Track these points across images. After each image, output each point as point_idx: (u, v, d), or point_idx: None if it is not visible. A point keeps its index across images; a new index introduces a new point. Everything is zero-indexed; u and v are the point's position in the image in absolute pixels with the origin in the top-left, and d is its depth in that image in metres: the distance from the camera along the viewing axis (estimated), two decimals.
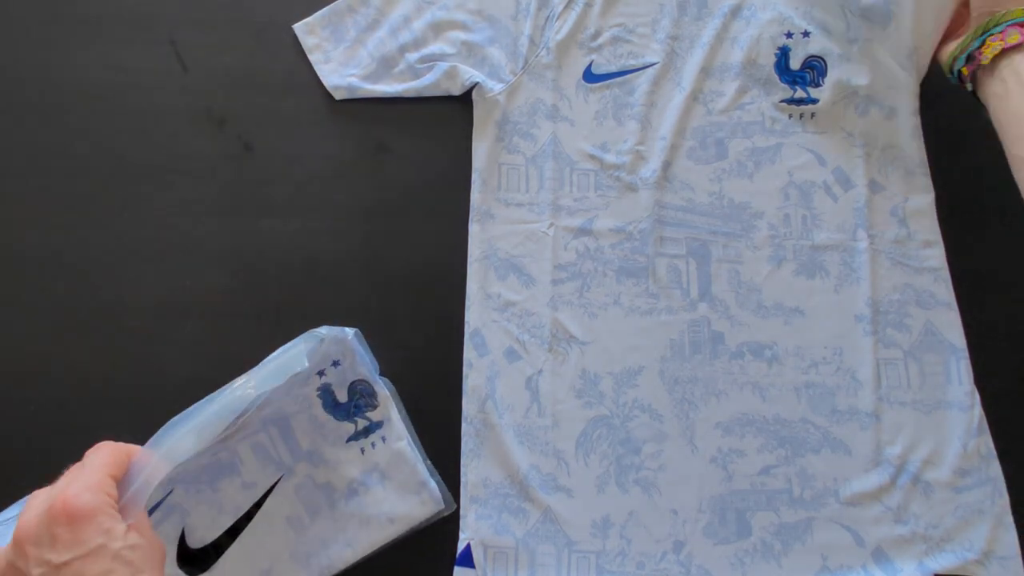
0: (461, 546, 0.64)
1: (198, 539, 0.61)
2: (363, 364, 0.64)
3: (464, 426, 0.66)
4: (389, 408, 0.64)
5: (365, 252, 0.72)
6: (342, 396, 0.64)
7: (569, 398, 0.67)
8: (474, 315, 0.69)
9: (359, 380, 0.64)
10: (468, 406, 0.67)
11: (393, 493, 0.63)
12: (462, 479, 0.65)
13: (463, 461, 0.66)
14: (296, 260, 0.71)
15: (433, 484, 0.64)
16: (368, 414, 0.64)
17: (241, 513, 0.61)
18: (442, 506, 0.63)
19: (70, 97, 0.76)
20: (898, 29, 0.71)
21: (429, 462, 0.65)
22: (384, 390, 0.65)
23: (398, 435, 0.64)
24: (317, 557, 0.62)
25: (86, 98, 0.76)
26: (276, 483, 0.62)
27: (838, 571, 0.62)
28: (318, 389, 0.63)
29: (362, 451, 0.63)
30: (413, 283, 0.71)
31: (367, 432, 0.64)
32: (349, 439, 0.63)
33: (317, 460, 0.63)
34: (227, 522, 0.61)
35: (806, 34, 0.73)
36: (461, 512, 0.64)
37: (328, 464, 0.63)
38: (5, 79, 0.76)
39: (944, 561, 0.62)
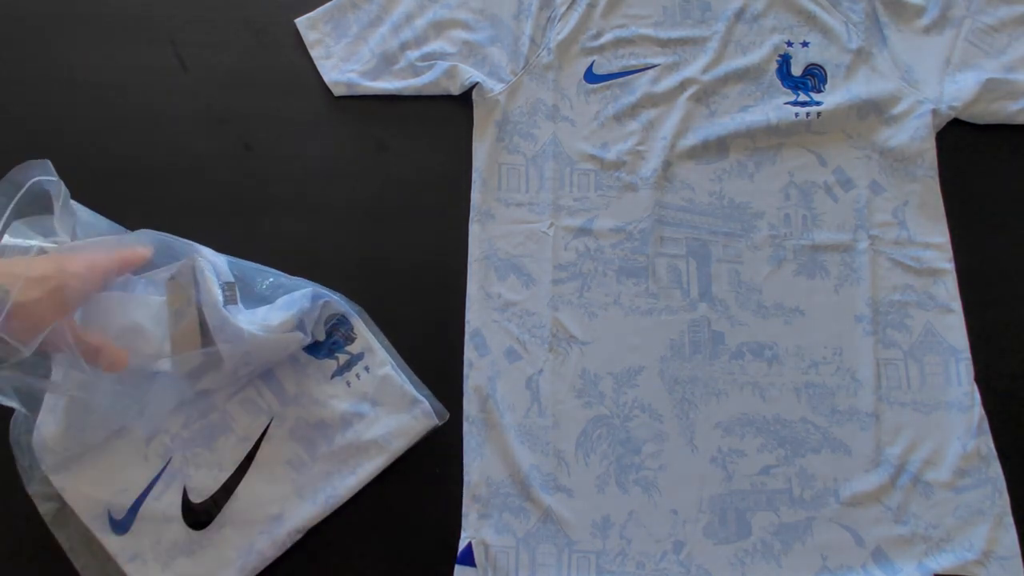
0: (462, 545, 0.64)
1: (200, 496, 0.62)
2: (333, 301, 0.66)
3: (466, 426, 0.66)
4: (367, 338, 0.66)
5: (365, 252, 0.72)
6: (320, 334, 0.65)
7: (569, 398, 0.67)
8: (474, 315, 0.69)
9: (332, 315, 0.65)
10: (469, 406, 0.67)
11: (386, 416, 0.64)
12: (464, 478, 0.65)
13: (465, 460, 0.66)
14: (296, 260, 0.71)
15: (423, 399, 0.65)
16: (348, 348, 0.65)
17: (237, 465, 0.63)
18: (436, 420, 0.65)
19: (70, 97, 0.76)
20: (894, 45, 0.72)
21: (416, 377, 0.66)
22: (359, 320, 0.66)
23: (381, 361, 0.65)
24: (324, 491, 0.63)
25: (86, 98, 0.76)
26: (266, 429, 0.63)
27: (838, 571, 0.62)
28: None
29: (348, 384, 0.65)
30: (413, 283, 0.71)
31: (349, 365, 0.65)
32: (333, 375, 0.65)
33: (305, 401, 0.64)
34: (226, 477, 0.63)
35: (805, 44, 0.73)
36: (463, 511, 0.65)
37: (317, 403, 0.64)
38: (5, 79, 0.76)
39: (944, 561, 0.62)
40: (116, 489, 0.61)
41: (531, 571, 0.63)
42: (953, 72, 0.72)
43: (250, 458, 0.63)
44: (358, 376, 0.65)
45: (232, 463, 0.63)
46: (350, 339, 0.65)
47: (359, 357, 0.65)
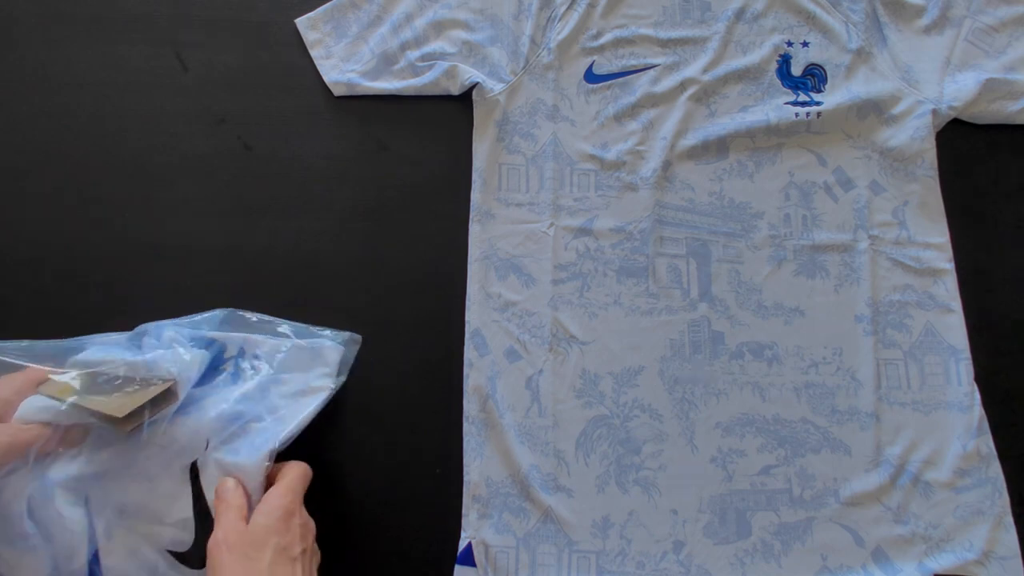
0: (462, 545, 0.64)
1: (184, 546, 0.58)
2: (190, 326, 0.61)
3: (466, 426, 0.66)
4: (236, 337, 0.61)
5: (365, 252, 0.72)
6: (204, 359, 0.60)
7: (569, 398, 0.67)
8: (474, 315, 0.69)
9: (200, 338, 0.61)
10: (469, 406, 0.67)
11: (301, 373, 0.61)
12: (464, 478, 0.65)
13: (465, 460, 0.66)
14: (296, 260, 0.71)
15: (322, 335, 0.62)
16: (225, 355, 0.61)
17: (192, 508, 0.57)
18: (341, 344, 0.62)
19: (70, 97, 0.76)
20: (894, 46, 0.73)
21: (308, 327, 0.63)
22: (219, 332, 0.61)
23: (258, 342, 0.61)
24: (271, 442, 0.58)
25: (86, 98, 0.76)
26: (194, 464, 0.57)
27: (838, 571, 0.62)
28: None
29: (247, 378, 0.60)
30: (413, 283, 0.71)
31: (238, 366, 0.61)
32: (228, 380, 0.60)
33: (209, 403, 0.58)
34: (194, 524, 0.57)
35: (805, 44, 0.73)
36: (463, 511, 0.65)
37: (226, 401, 0.58)
38: (5, 79, 0.76)
39: (944, 561, 0.62)
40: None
41: (531, 571, 0.63)
42: (953, 72, 0.72)
43: (199, 495, 0.57)
44: (252, 367, 0.61)
45: (183, 512, 0.57)
46: (224, 348, 0.61)
47: (240, 355, 0.61)
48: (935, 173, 0.71)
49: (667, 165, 0.71)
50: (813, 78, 0.73)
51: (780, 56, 0.73)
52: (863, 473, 0.64)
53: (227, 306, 0.70)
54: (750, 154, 0.72)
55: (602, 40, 0.74)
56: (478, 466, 0.65)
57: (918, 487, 0.64)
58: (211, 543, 0.52)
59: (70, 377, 0.55)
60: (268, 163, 0.74)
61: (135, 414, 0.53)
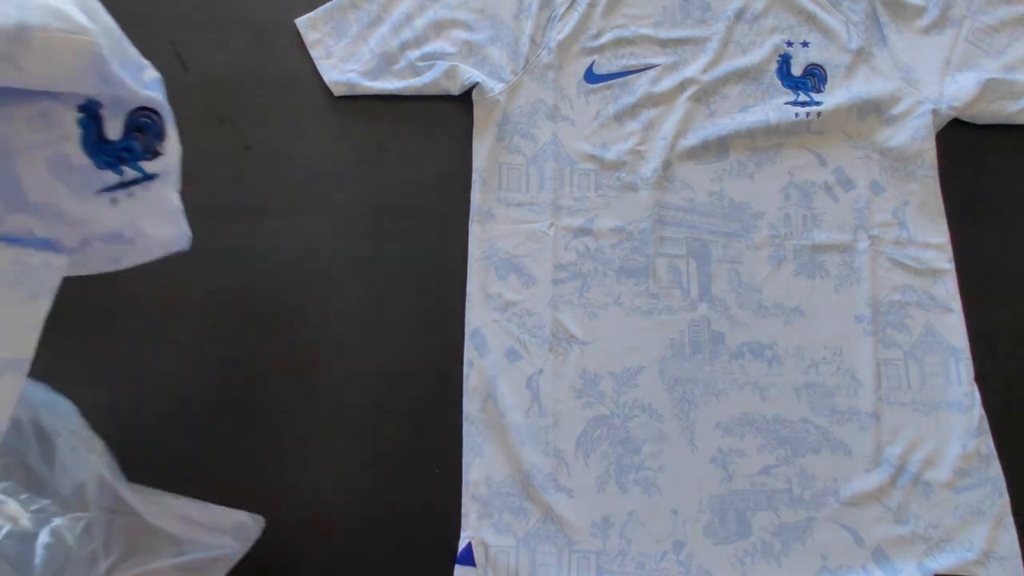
0: (462, 545, 0.64)
1: None
2: (153, 88, 0.44)
3: (466, 426, 0.66)
4: (176, 154, 0.45)
5: (365, 252, 0.72)
6: (115, 130, 0.43)
7: (569, 398, 0.67)
8: (475, 315, 0.69)
9: (144, 109, 0.44)
10: (469, 406, 0.67)
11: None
12: (464, 478, 0.65)
13: (465, 460, 0.66)
14: (296, 260, 0.71)
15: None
16: (144, 164, 0.43)
17: None
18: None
19: None
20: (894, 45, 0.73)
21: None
22: (173, 133, 0.45)
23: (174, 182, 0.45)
24: None
25: None
26: None
27: (838, 571, 0.62)
28: (80, 110, 0.42)
29: (113, 202, 0.44)
30: (413, 283, 0.71)
31: (131, 183, 0.43)
32: (102, 190, 0.43)
33: (46, 214, 0.42)
34: None
35: (805, 44, 0.73)
36: (463, 511, 0.65)
37: (63, 222, 0.42)
38: None
39: (944, 561, 0.62)
40: None
41: (531, 571, 0.63)
42: (953, 72, 0.72)
43: None
44: (131, 194, 0.44)
45: None
46: (153, 152, 0.44)
47: (151, 178, 0.43)
48: (935, 173, 0.71)
49: (667, 165, 0.71)
50: (813, 78, 0.73)
51: (780, 56, 0.73)
52: (863, 473, 0.64)
53: (227, 305, 0.70)
54: (750, 154, 0.72)
55: (602, 40, 0.74)
56: (478, 466, 0.65)
57: (918, 487, 0.64)
58: None
59: None
60: (268, 163, 0.74)
61: None
